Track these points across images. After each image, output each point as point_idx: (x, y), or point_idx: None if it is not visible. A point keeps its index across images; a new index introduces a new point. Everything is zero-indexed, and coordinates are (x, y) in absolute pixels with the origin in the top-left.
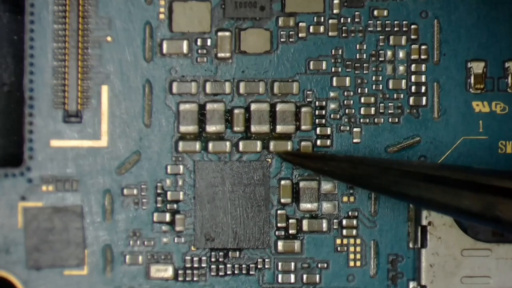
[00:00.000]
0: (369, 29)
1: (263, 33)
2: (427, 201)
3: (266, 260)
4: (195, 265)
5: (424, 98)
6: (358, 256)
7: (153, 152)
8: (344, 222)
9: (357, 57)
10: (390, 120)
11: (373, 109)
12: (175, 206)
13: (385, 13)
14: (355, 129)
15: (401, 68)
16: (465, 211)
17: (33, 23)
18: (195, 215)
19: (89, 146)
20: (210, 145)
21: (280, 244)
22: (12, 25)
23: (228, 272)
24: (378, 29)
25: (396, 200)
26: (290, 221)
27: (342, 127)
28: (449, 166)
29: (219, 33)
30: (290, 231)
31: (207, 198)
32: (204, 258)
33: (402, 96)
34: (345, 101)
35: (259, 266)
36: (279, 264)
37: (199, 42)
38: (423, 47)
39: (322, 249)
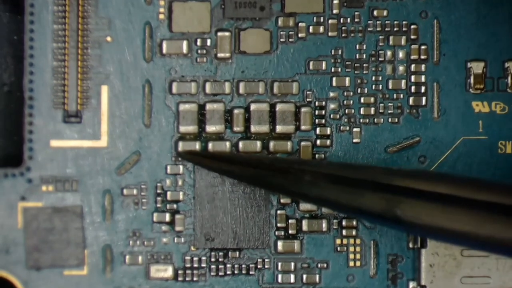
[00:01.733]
0: (368, 29)
1: (263, 33)
2: (328, 201)
3: (266, 260)
4: (195, 265)
5: (424, 98)
6: (358, 256)
7: (153, 152)
8: (343, 222)
9: (357, 57)
10: (390, 120)
11: (372, 109)
12: (175, 206)
13: (385, 13)
14: (355, 129)
15: (401, 68)
16: (366, 212)
17: (33, 23)
18: (195, 215)
19: (89, 146)
20: (210, 145)
21: (280, 244)
22: (12, 25)
23: (228, 272)
24: (377, 29)
25: (299, 200)
26: (290, 221)
27: (342, 127)
28: (350, 165)
29: (219, 33)
30: (290, 231)
31: (207, 198)
32: (204, 258)
33: (402, 96)
34: (345, 101)
35: (259, 266)
36: (279, 264)
37: (198, 42)
38: (422, 47)
39: (322, 249)
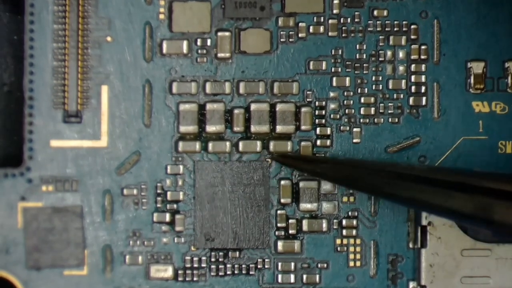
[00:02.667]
0: (369, 29)
1: (263, 33)
2: (420, 202)
3: (266, 260)
4: (195, 265)
5: (424, 98)
6: (358, 256)
7: (153, 152)
8: (344, 222)
9: (357, 57)
10: (390, 120)
11: (373, 109)
12: (175, 206)
13: (385, 13)
14: (355, 129)
15: (401, 68)
16: (457, 212)
17: (33, 23)
18: (195, 215)
19: (89, 146)
20: (210, 145)
21: (280, 244)
22: (12, 25)
23: (228, 272)
24: (378, 29)
25: (389, 201)
26: (290, 221)
27: (342, 127)
28: (441, 169)
29: (219, 33)
30: (290, 231)
31: (207, 198)
32: (204, 258)
33: (402, 96)
34: (345, 101)
35: (259, 266)
36: (279, 264)
37: (199, 42)
38: (423, 47)
39: (322, 249)
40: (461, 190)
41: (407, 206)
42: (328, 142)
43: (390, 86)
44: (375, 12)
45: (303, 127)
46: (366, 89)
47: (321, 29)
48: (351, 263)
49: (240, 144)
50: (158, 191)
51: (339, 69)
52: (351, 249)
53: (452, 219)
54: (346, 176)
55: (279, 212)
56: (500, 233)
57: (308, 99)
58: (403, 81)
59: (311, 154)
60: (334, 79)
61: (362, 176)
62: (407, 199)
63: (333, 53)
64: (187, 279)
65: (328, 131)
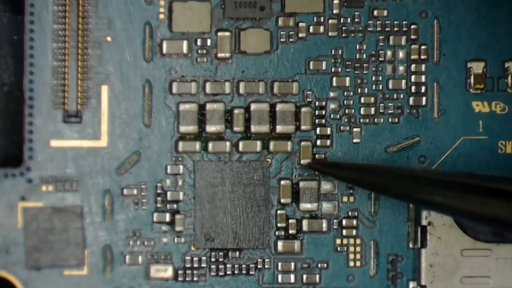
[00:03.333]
0: (369, 29)
1: (263, 33)
2: (453, 208)
3: (266, 260)
4: (195, 265)
5: (424, 98)
6: (358, 256)
7: (153, 152)
8: (344, 222)
9: (357, 57)
10: (390, 120)
11: (373, 109)
12: (175, 206)
13: (385, 13)
14: (355, 129)
15: (401, 68)
16: (492, 218)
17: (33, 23)
18: (195, 215)
19: (89, 146)
20: (210, 145)
21: (280, 244)
22: (12, 25)
23: (228, 272)
24: (378, 29)
25: (424, 208)
26: (290, 221)
27: (342, 127)
28: (475, 175)
29: (219, 33)
30: (290, 231)
31: (207, 198)
32: (204, 258)
33: (402, 96)
34: (345, 101)
35: (259, 266)
36: (279, 264)
37: (199, 42)
38: (423, 47)
39: (322, 249)
40: (497, 196)
41: (443, 213)
42: (328, 142)
43: (390, 86)
44: (375, 12)
45: (303, 127)
46: (366, 89)
47: (321, 29)
48: (351, 263)
49: (240, 144)
50: (158, 191)
51: (339, 69)
52: (351, 249)
53: (487, 226)
54: (381, 183)
55: (279, 212)
56: None
57: (308, 99)
58: (403, 81)
59: (311, 154)
60: (334, 79)
61: (397, 183)
62: (439, 206)
63: (333, 53)
64: (187, 279)
65: (328, 131)
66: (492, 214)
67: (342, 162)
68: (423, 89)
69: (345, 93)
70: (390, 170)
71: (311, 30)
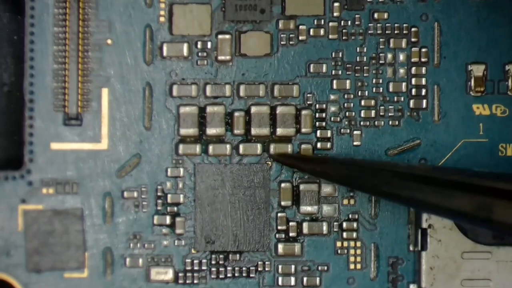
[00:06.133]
0: (369, 32)
1: (263, 36)
2: (419, 202)
3: (266, 262)
4: (195, 268)
5: (424, 101)
6: (358, 258)
7: (153, 155)
8: (344, 224)
9: (357, 60)
10: (390, 123)
11: (373, 112)
12: (175, 209)
13: (385, 16)
14: (355, 132)
15: (402, 71)
16: (456, 212)
17: (33, 26)
18: (195, 217)
19: (89, 149)
20: (210, 147)
21: (280, 246)
22: (12, 25)
23: (228, 275)
24: (378, 32)
25: (388, 201)
26: (291, 223)
27: (342, 130)
28: (441, 168)
29: (219, 36)
30: (291, 234)
31: (207, 200)
32: (204, 260)
33: (402, 99)
34: (345, 104)
35: (259, 269)
36: (279, 266)
37: (199, 45)
38: (423, 50)
39: (322, 251)
40: (461, 189)
41: (406, 206)
42: (329, 144)
43: (391, 89)
44: (376, 15)
45: (303, 130)
46: (366, 92)
47: (322, 31)
48: (352, 266)
49: (241, 146)
50: (159, 193)
51: (340, 72)
52: (352, 251)
53: (451, 219)
54: (346, 175)
55: (279, 214)
56: (499, 232)
57: (308, 102)
58: (404, 84)
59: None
60: (335, 81)
61: (362, 175)
62: (406, 199)
63: (333, 55)
64: (187, 281)
65: (329, 133)
66: (456, 207)
67: (307, 155)
68: (423, 91)
69: (346, 96)
70: (355, 163)
71: (311, 33)
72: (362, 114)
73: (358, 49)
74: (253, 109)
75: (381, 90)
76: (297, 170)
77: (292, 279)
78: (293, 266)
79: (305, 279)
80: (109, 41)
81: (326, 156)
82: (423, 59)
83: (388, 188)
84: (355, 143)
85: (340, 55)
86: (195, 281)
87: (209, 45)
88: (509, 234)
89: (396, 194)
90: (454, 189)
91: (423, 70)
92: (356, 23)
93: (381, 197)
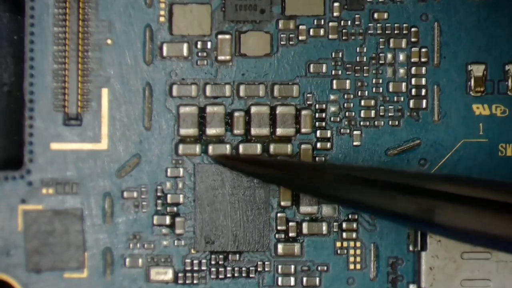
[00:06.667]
0: (369, 32)
1: (263, 36)
2: (362, 204)
3: (266, 263)
4: (195, 268)
5: (424, 101)
6: (358, 259)
7: (153, 155)
8: (344, 225)
9: (357, 60)
10: (390, 123)
11: (373, 112)
12: (175, 209)
13: (385, 16)
14: (355, 132)
15: (401, 71)
16: (400, 214)
17: (33, 26)
18: (195, 218)
19: (89, 149)
20: (210, 148)
21: (280, 247)
22: (12, 25)
23: (228, 275)
24: (378, 32)
25: (332, 203)
26: (290, 224)
27: (342, 130)
28: (383, 169)
29: (219, 36)
30: (290, 234)
31: (207, 201)
32: (204, 261)
33: (402, 99)
34: (345, 104)
35: (259, 269)
36: (279, 267)
37: (199, 45)
38: (423, 50)
39: (322, 252)
40: (403, 191)
41: (349, 208)
42: (329, 145)
43: (391, 89)
44: (376, 15)
45: (303, 130)
46: (366, 92)
47: (322, 31)
48: (351, 266)
49: (240, 147)
50: (158, 194)
51: (340, 72)
52: (351, 252)
53: (394, 222)
54: (287, 178)
55: (279, 215)
56: (441, 235)
57: (308, 102)
58: (404, 84)
59: (312, 157)
60: (335, 82)
61: (302, 178)
62: (348, 202)
63: (333, 55)
64: (187, 282)
65: (329, 134)
66: (399, 210)
67: (249, 156)
68: (423, 92)
69: (345, 96)
70: (296, 165)
71: (311, 33)
72: (362, 114)
73: (358, 49)
74: (253, 109)
75: (381, 90)
76: (237, 171)
77: (292, 279)
78: (292, 266)
79: (304, 279)
80: (109, 41)
81: (268, 158)
82: (423, 59)
83: (329, 190)
84: (355, 143)
85: (340, 55)
86: (195, 281)
87: (209, 45)
88: (451, 237)
89: (337, 196)
90: (397, 191)
91: (423, 70)
92: (356, 23)
93: (323, 199)
